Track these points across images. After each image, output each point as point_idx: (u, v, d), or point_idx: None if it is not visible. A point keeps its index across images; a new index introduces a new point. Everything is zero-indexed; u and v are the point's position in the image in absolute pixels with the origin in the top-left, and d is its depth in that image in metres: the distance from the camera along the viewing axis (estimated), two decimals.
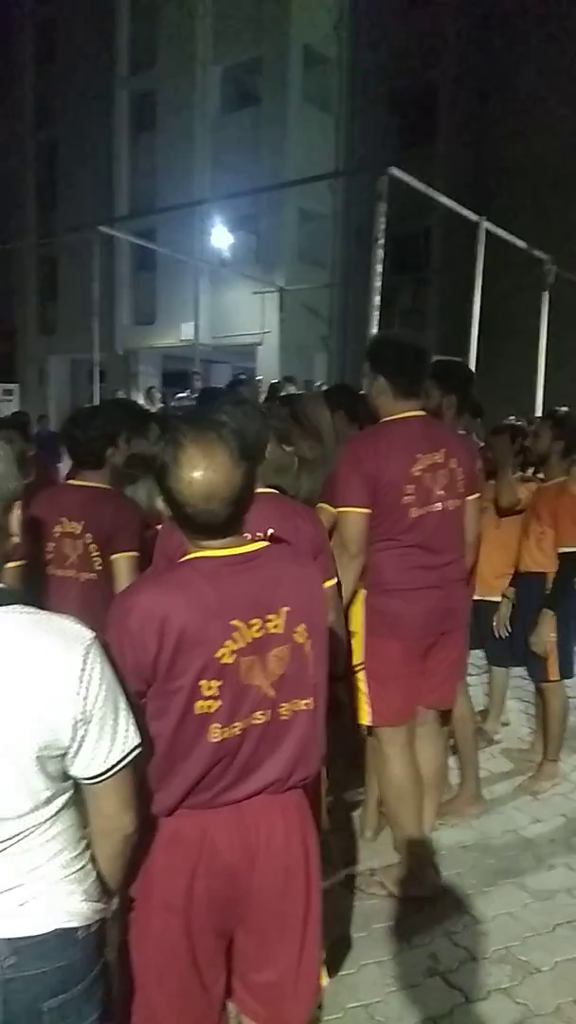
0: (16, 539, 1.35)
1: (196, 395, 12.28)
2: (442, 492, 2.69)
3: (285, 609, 1.51)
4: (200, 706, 1.45)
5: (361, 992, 2.41)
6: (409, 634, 2.72)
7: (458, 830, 3.31)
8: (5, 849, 1.24)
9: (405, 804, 2.84)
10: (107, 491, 2.82)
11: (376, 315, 6.58)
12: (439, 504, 2.68)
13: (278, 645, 1.51)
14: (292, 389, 10.32)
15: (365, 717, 2.81)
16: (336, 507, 2.68)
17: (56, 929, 1.27)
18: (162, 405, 11.00)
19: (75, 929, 1.29)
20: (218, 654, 1.44)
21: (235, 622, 1.46)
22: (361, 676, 2.77)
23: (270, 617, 1.50)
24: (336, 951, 2.56)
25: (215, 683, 1.45)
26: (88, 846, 1.36)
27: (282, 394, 6.95)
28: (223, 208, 15.02)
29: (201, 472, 1.43)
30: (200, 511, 1.45)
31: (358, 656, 2.75)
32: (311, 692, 1.57)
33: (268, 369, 16.02)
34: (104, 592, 2.63)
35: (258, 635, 1.48)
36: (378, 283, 6.51)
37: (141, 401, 11.36)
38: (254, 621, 1.48)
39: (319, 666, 1.59)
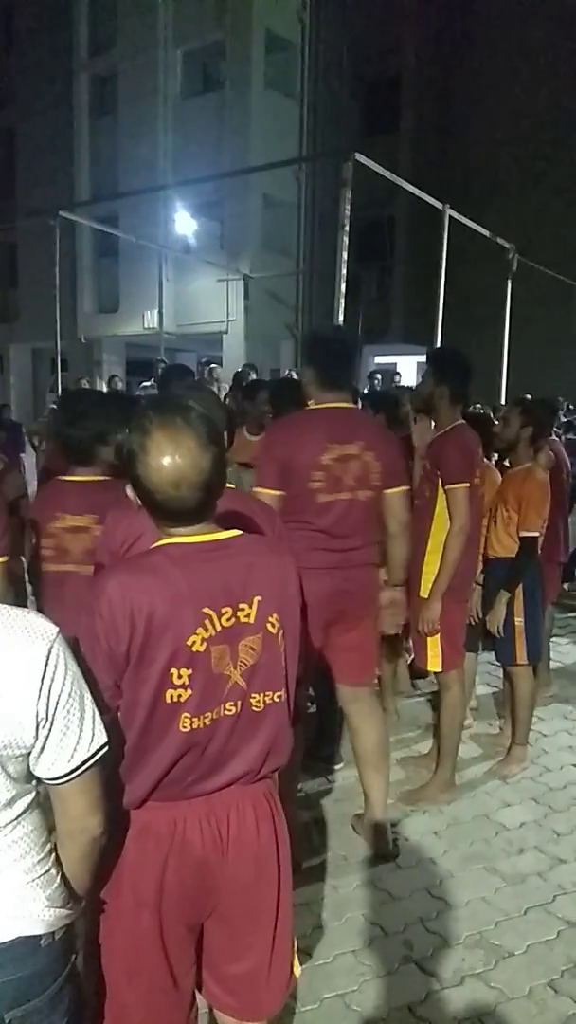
0: None
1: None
2: (352, 482, 2.80)
3: (257, 598, 1.48)
4: (169, 695, 1.41)
5: (336, 981, 2.39)
6: (314, 611, 2.75)
7: (429, 816, 3.32)
8: None
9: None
10: (110, 482, 2.75)
11: (342, 303, 6.57)
12: (347, 493, 2.80)
13: (250, 634, 1.47)
14: (253, 377, 10.27)
15: None
16: (253, 487, 2.83)
17: (19, 937, 1.23)
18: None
19: (38, 936, 1.25)
20: (189, 641, 1.41)
21: (206, 609, 1.42)
22: None
23: (242, 606, 1.46)
24: (311, 940, 2.55)
25: (185, 672, 1.41)
26: (53, 849, 1.31)
27: (248, 381, 6.90)
28: (186, 194, 14.86)
29: (169, 458, 1.39)
30: (170, 497, 1.41)
31: None
32: (282, 683, 1.54)
33: (234, 357, 15.92)
34: None
35: (229, 624, 1.45)
36: (344, 270, 6.48)
37: (105, 389, 11.22)
38: (225, 609, 1.44)
39: (292, 656, 1.56)
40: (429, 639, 3.35)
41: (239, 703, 1.48)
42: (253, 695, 1.50)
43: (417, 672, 4.32)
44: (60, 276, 9.87)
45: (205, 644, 1.42)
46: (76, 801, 1.30)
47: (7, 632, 1.21)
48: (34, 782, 1.28)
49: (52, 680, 1.22)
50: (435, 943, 2.58)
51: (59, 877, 1.31)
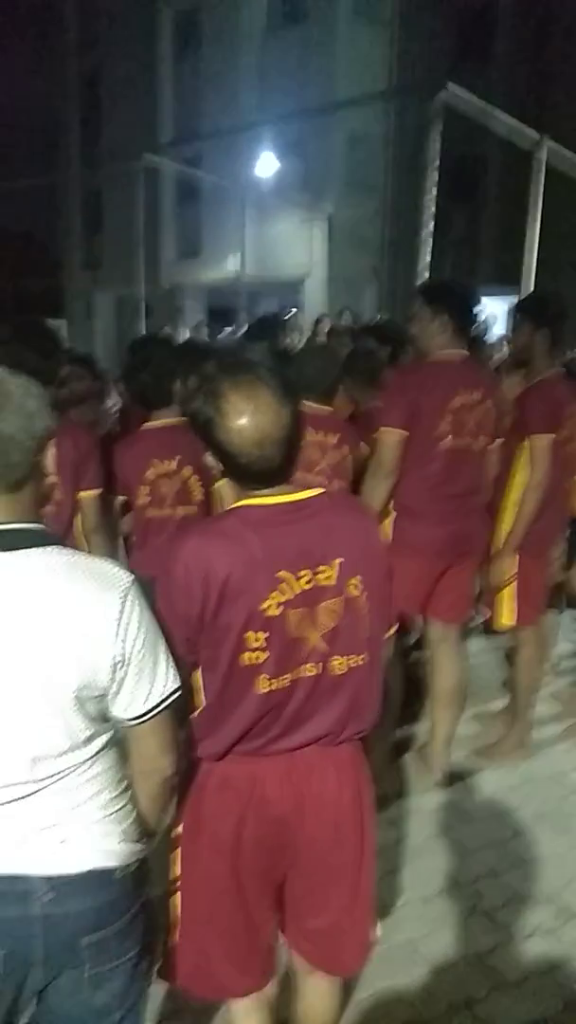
0: (52, 479, 1.34)
1: (242, 329, 12.14)
2: (474, 428, 2.90)
3: (338, 560, 1.46)
4: (247, 658, 1.43)
5: (405, 926, 2.45)
6: (430, 555, 2.95)
7: (503, 772, 3.31)
8: (45, 788, 1.26)
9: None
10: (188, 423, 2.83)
11: (429, 244, 6.35)
12: (469, 439, 2.89)
13: (330, 597, 1.46)
14: (347, 320, 10.07)
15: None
16: (378, 426, 2.89)
17: (93, 868, 1.29)
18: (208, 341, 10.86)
19: (112, 869, 1.31)
20: (263, 606, 1.41)
21: (282, 573, 1.42)
22: None
23: (321, 568, 1.45)
24: (382, 885, 2.60)
25: (261, 635, 1.42)
26: (128, 787, 1.37)
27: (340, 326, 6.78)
28: (269, 132, 14.51)
29: (248, 418, 1.38)
30: (254, 458, 1.40)
31: None
32: (365, 647, 1.53)
33: (315, 302, 15.70)
34: None
35: (307, 587, 1.44)
36: (431, 209, 6.25)
37: (188, 336, 11.25)
38: (303, 572, 1.43)
39: (376, 619, 1.54)
40: (503, 593, 3.30)
41: (320, 665, 1.48)
42: (335, 658, 1.49)
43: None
44: (143, 222, 9.86)
45: (281, 608, 1.42)
46: (149, 742, 1.36)
47: (84, 579, 1.25)
48: (110, 721, 1.33)
49: (127, 627, 1.26)
50: (505, 896, 2.60)
51: (133, 814, 1.37)
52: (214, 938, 1.54)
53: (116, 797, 1.34)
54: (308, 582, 1.44)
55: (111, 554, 2.76)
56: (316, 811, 1.52)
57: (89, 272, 21.39)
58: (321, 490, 1.51)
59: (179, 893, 1.56)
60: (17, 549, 1.23)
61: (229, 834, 1.50)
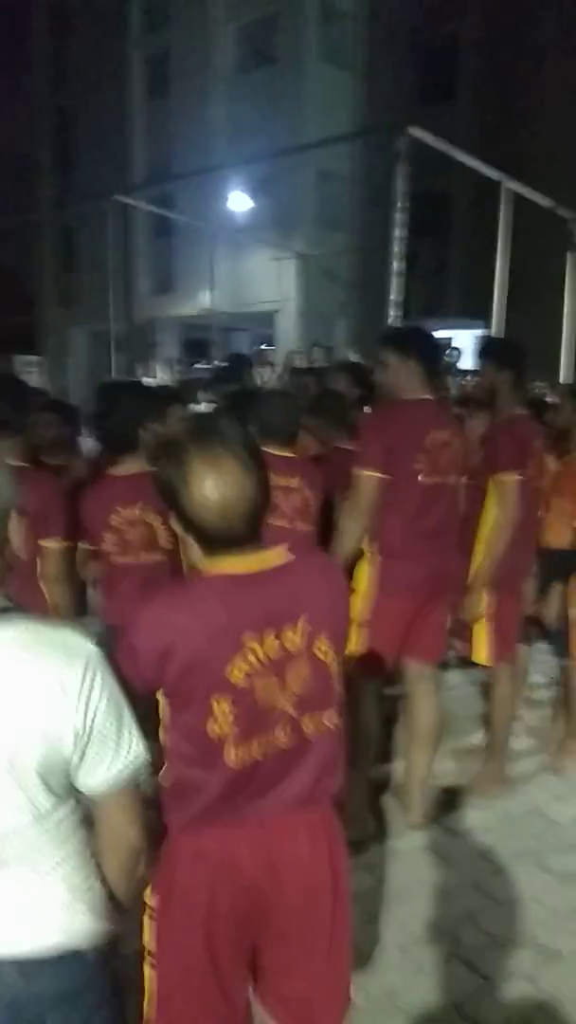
0: (14, 547, 1.33)
1: (215, 363, 12.22)
2: (447, 466, 2.95)
3: (304, 621, 1.45)
4: (212, 728, 1.40)
5: (384, 976, 2.41)
6: (410, 594, 2.97)
7: (480, 810, 3.29)
8: (11, 864, 1.23)
9: (369, 748, 3.12)
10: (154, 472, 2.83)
11: (397, 280, 6.45)
12: (442, 475, 2.93)
13: (297, 661, 1.45)
14: (318, 356, 10.18)
15: (351, 669, 2.96)
16: (353, 468, 2.91)
17: (62, 948, 1.26)
18: (179, 377, 10.93)
19: (81, 948, 1.28)
20: (228, 674, 1.39)
21: (247, 639, 1.40)
22: (357, 632, 2.95)
23: (287, 632, 1.43)
24: (359, 932, 2.55)
25: (226, 704, 1.40)
26: (96, 862, 1.34)
27: (306, 366, 6.85)
28: (240, 172, 14.75)
29: (213, 489, 1.36)
30: (219, 529, 1.39)
31: (358, 612, 2.96)
32: (333, 703, 1.51)
33: (287, 335, 15.86)
34: (173, 568, 2.74)
35: (273, 653, 1.42)
36: (399, 247, 6.36)
37: (159, 373, 11.31)
38: (269, 638, 1.42)
39: (339, 676, 1.53)
40: (477, 630, 3.31)
41: (288, 729, 1.46)
42: (303, 720, 1.47)
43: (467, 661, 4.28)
44: (115, 258, 9.95)
45: (247, 676, 1.40)
46: (116, 813, 1.32)
47: (46, 652, 1.23)
48: (75, 795, 1.30)
49: (89, 698, 1.23)
50: (484, 940, 2.57)
51: (100, 889, 1.34)
52: (188, 1010, 1.50)
53: (83, 873, 1.31)
54: (274, 647, 1.42)
55: (70, 603, 2.73)
56: (289, 876, 1.49)
57: (64, 308, 21.49)
58: (285, 552, 1.49)
59: (153, 967, 1.52)
60: None
61: (202, 905, 1.46)
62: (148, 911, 1.53)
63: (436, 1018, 2.28)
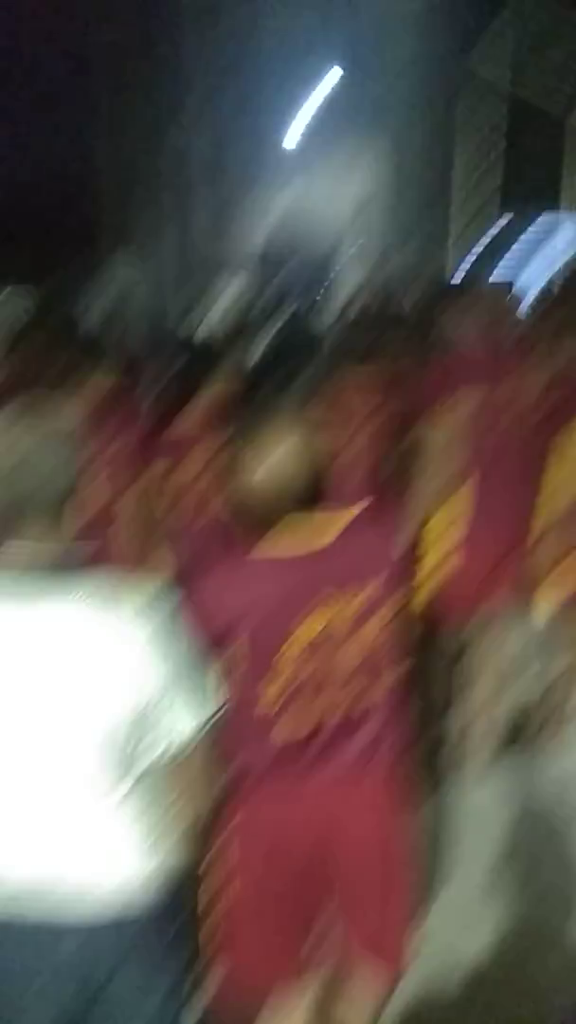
0: (86, 510, 1.33)
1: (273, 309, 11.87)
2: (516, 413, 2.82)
3: (368, 587, 1.44)
4: (266, 700, 1.42)
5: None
6: None
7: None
8: (80, 825, 1.27)
9: None
10: None
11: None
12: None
13: (352, 632, 1.44)
14: None
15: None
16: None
17: (126, 904, 1.30)
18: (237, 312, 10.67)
19: (144, 904, 1.32)
20: (283, 648, 1.39)
21: (308, 610, 1.40)
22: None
23: (349, 599, 1.42)
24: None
25: (280, 677, 1.41)
26: (165, 815, 1.36)
27: None
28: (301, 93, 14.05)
29: (266, 473, 1.35)
30: (272, 511, 1.38)
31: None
32: (390, 673, 1.51)
33: (351, 272, 15.36)
34: None
35: (334, 620, 1.41)
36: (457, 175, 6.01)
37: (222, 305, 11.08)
38: (324, 610, 1.41)
39: (397, 645, 1.52)
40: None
41: (343, 700, 1.46)
42: (359, 691, 1.47)
43: None
44: (173, 194, 9.58)
45: (301, 648, 1.40)
46: (182, 775, 1.35)
47: (115, 615, 1.25)
48: (145, 754, 1.32)
49: (158, 663, 1.26)
50: None
51: (171, 840, 1.37)
52: (254, 948, 1.55)
53: (153, 826, 1.34)
54: (335, 615, 1.42)
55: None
56: (347, 839, 1.51)
57: (119, 243, 21.19)
58: (349, 515, 1.46)
59: (218, 910, 1.56)
60: (49, 591, 1.23)
61: (260, 868, 1.50)
62: (217, 854, 1.56)
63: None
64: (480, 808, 2.97)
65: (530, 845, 2.78)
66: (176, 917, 1.42)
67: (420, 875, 1.70)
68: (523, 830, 2.85)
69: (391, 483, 3.07)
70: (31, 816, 1.26)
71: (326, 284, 10.74)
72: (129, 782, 1.31)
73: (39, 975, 1.28)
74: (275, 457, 1.35)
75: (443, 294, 3.91)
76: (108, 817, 1.29)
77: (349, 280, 10.82)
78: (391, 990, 1.72)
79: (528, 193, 11.12)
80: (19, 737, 1.24)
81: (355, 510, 1.48)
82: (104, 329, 4.78)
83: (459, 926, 2.42)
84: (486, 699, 3.14)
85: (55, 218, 19.67)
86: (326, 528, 1.45)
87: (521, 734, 3.41)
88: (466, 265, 10.91)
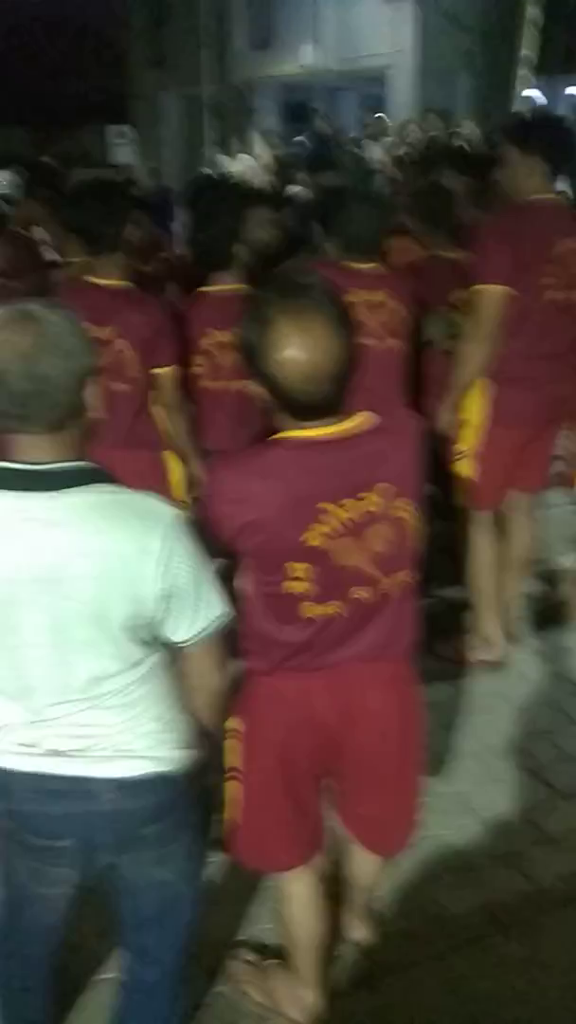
0: (96, 413, 1.31)
1: (317, 130, 11.18)
2: (574, 278, 2.66)
3: (383, 485, 1.42)
4: (290, 586, 1.43)
5: (457, 780, 2.58)
6: (523, 424, 2.83)
7: (564, 632, 3.33)
8: (105, 703, 1.34)
9: (488, 579, 3.06)
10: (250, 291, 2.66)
11: (530, 29, 5.65)
12: (569, 290, 2.67)
13: (376, 522, 1.43)
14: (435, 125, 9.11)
15: (464, 499, 2.98)
16: (474, 284, 2.65)
17: (151, 772, 1.39)
18: (278, 152, 10.09)
19: (168, 772, 1.41)
20: (303, 537, 1.39)
21: (324, 504, 1.38)
22: (470, 463, 2.88)
23: (367, 495, 1.41)
24: (435, 739, 2.71)
25: (302, 566, 1.41)
26: (181, 699, 1.44)
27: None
28: None
29: (299, 350, 1.29)
30: (302, 393, 1.33)
31: (470, 443, 2.85)
32: (409, 563, 1.52)
33: (402, 97, 14.23)
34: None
35: (352, 515, 1.41)
36: None
37: (257, 147, 10.51)
38: (347, 501, 1.40)
39: (418, 535, 1.53)
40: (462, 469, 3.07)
41: (366, 587, 1.47)
42: (382, 579, 1.48)
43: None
44: (209, 11, 8.92)
45: (325, 539, 1.40)
46: (199, 661, 1.41)
47: (126, 518, 1.26)
48: (161, 643, 1.38)
49: (169, 562, 1.27)
50: (556, 756, 2.70)
51: (186, 722, 1.45)
52: (268, 819, 1.65)
53: (171, 708, 1.41)
54: (353, 510, 1.41)
55: (186, 431, 2.70)
56: (362, 722, 1.57)
57: (155, 71, 19.73)
58: (369, 417, 1.43)
59: (236, 781, 1.65)
60: (61, 488, 1.24)
61: (279, 741, 1.57)
62: (232, 734, 1.65)
63: (504, 821, 2.45)
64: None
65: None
66: (198, 782, 1.52)
67: (426, 760, 1.78)
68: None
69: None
70: (68, 677, 1.29)
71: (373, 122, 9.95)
72: (154, 659, 1.36)
73: (76, 821, 1.38)
74: (309, 339, 1.29)
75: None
76: (136, 689, 1.35)
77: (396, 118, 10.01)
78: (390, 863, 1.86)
79: None
80: (45, 609, 1.24)
81: (370, 414, 1.44)
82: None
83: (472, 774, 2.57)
84: (515, 575, 3.16)
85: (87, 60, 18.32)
86: (353, 418, 1.42)
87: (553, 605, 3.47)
88: None
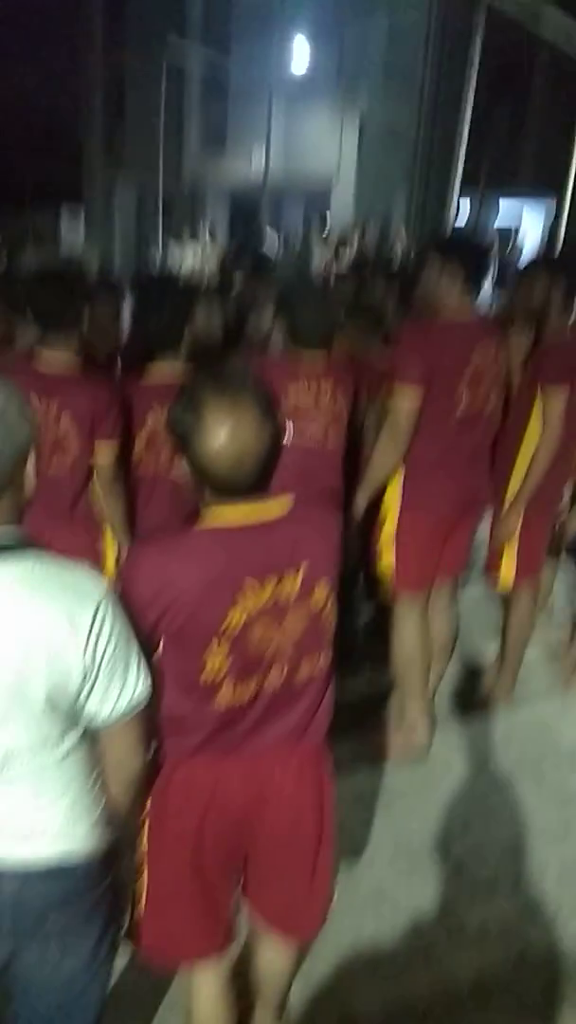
0: (30, 486, 1.33)
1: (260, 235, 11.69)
2: (487, 387, 2.86)
3: (302, 569, 1.47)
4: (208, 670, 1.45)
5: (376, 873, 2.55)
6: (442, 512, 2.97)
7: (485, 722, 3.38)
8: (19, 780, 1.30)
9: (413, 667, 3.11)
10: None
11: (463, 146, 6.15)
12: (483, 399, 2.86)
13: (294, 607, 1.48)
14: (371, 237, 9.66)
15: (389, 586, 3.08)
16: (391, 383, 2.80)
17: (61, 857, 1.35)
18: (223, 251, 10.52)
19: (79, 856, 1.37)
20: (225, 622, 1.42)
21: (246, 585, 1.42)
22: (390, 548, 3.00)
23: (287, 577, 1.46)
24: (355, 832, 2.70)
25: (223, 648, 1.43)
26: (98, 779, 1.41)
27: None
28: (304, 19, 13.60)
29: (228, 435, 1.35)
30: (230, 475, 1.38)
31: (389, 532, 2.99)
32: (326, 646, 1.56)
33: (344, 208, 15.08)
34: None
35: (271, 599, 1.45)
36: (469, 109, 6.00)
37: (205, 246, 10.92)
38: (268, 583, 1.44)
39: (333, 619, 1.57)
40: (505, 551, 3.29)
41: (282, 673, 1.50)
42: (298, 665, 1.51)
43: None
44: (167, 112, 9.42)
45: (244, 622, 1.43)
46: (119, 741, 1.39)
47: (57, 591, 1.26)
48: (82, 722, 1.35)
49: (98, 638, 1.27)
50: (474, 849, 2.70)
51: (102, 804, 1.42)
52: (177, 910, 1.62)
53: (87, 789, 1.38)
54: (272, 594, 1.45)
55: (123, 516, 2.71)
56: (276, 810, 1.57)
57: (111, 161, 20.51)
58: (288, 501, 1.49)
59: (145, 871, 1.62)
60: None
61: (191, 829, 1.55)
62: (144, 824, 1.62)
63: (422, 917, 2.43)
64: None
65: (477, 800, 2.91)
66: (110, 869, 1.48)
67: (344, 852, 1.78)
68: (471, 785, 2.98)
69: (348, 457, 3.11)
70: None
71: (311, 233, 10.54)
72: (72, 738, 1.33)
73: None
74: (237, 425, 1.35)
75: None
76: (51, 768, 1.32)
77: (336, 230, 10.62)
78: (302, 957, 1.82)
79: None
80: None
81: (289, 499, 1.49)
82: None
83: (391, 868, 2.55)
84: (436, 661, 3.23)
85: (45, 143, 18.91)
86: (273, 504, 1.47)
87: (472, 696, 3.54)
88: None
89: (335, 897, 2.32)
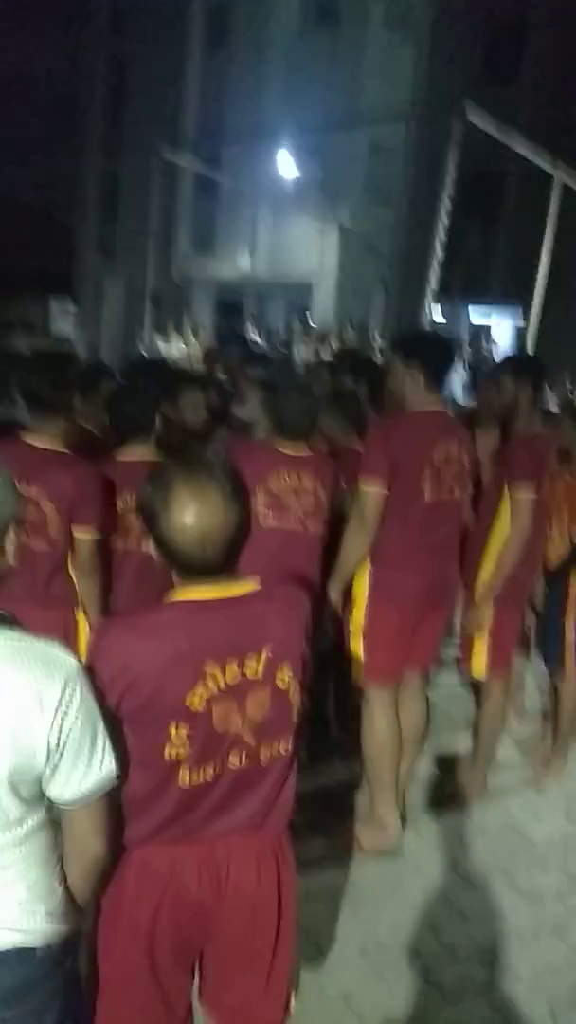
0: (9, 560, 1.34)
1: (248, 332, 12.10)
2: (452, 481, 2.93)
3: (266, 652, 1.48)
4: (169, 752, 1.44)
5: (340, 978, 2.46)
6: (410, 604, 2.97)
7: (456, 820, 3.32)
8: None
9: (383, 760, 3.07)
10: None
11: (438, 257, 6.52)
12: (448, 492, 2.93)
13: (257, 690, 1.48)
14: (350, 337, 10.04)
15: (358, 677, 3.08)
16: (358, 475, 2.88)
17: (15, 947, 1.30)
18: (208, 346, 10.86)
19: (34, 947, 1.32)
20: (187, 701, 1.42)
21: (208, 667, 1.43)
22: (358, 637, 3.02)
23: (249, 661, 1.46)
24: (320, 934, 2.61)
25: (184, 729, 1.43)
26: (58, 865, 1.38)
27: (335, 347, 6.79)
28: (291, 136, 14.51)
29: (194, 516, 1.38)
30: (194, 556, 1.41)
31: (357, 622, 3.01)
32: (289, 733, 1.55)
33: (324, 309, 15.69)
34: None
35: (234, 681, 1.45)
36: (444, 223, 6.38)
37: (191, 339, 11.28)
38: (231, 665, 1.44)
39: (299, 705, 1.56)
40: (476, 643, 3.32)
41: (243, 756, 1.49)
42: (259, 747, 1.50)
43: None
44: (159, 213, 9.92)
45: (206, 703, 1.43)
46: (82, 824, 1.36)
47: (27, 666, 1.25)
48: (45, 803, 1.34)
49: (65, 715, 1.26)
50: (444, 952, 2.61)
51: (60, 892, 1.38)
52: (129, 1015, 1.55)
53: (46, 876, 1.35)
54: (235, 676, 1.45)
55: (100, 596, 2.71)
56: (233, 900, 1.53)
57: (103, 257, 21.34)
58: (254, 582, 1.51)
59: (99, 968, 1.56)
60: None
61: (146, 920, 1.50)
62: (111, 893, 1.56)
63: (390, 1022, 2.33)
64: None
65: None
66: (67, 958, 1.42)
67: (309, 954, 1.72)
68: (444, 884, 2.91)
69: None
70: None
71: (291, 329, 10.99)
72: (33, 820, 1.31)
73: None
74: (204, 507, 1.38)
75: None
76: (9, 851, 1.28)
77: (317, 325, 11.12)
78: None
79: None
80: None
81: (256, 581, 1.51)
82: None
83: (357, 973, 2.45)
84: (407, 755, 3.19)
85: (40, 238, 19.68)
86: (242, 582, 1.49)
87: (444, 790, 3.49)
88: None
89: (301, 1000, 2.26)
